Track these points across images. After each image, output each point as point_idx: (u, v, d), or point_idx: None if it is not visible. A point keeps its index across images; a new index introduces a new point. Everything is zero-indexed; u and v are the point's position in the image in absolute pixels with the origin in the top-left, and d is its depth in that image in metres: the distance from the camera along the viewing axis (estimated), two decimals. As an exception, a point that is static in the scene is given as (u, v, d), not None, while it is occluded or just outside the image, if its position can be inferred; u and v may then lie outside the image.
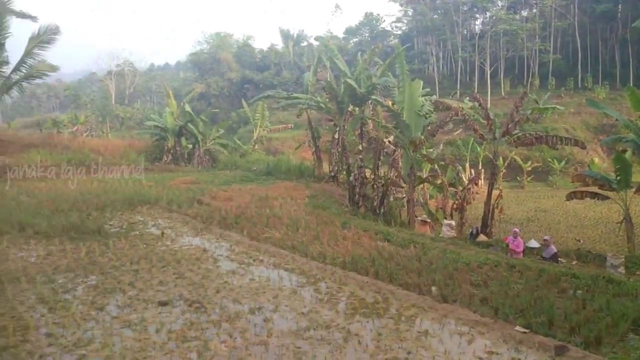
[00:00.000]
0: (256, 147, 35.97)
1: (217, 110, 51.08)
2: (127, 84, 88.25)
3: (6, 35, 23.85)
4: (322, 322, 7.57)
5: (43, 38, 23.56)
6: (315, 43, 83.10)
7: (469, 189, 18.80)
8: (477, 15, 71.55)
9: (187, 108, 33.31)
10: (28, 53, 23.82)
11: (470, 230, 17.06)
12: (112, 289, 9.00)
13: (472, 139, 37.14)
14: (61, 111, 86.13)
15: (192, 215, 15.58)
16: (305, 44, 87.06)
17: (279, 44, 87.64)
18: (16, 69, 24.80)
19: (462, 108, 18.72)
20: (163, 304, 8.25)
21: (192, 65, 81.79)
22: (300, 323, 7.50)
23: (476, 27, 73.07)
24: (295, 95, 25.27)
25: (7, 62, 25.87)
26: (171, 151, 32.04)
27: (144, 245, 12.08)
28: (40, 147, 27.88)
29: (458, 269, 10.08)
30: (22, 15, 26.99)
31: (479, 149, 37.99)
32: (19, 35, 26.45)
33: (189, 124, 31.62)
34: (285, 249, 11.91)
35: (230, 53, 77.52)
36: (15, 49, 26.48)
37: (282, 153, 37.36)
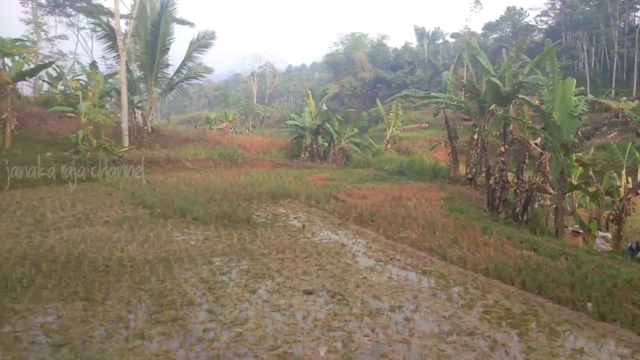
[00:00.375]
0: (388, 146, 36.03)
1: (352, 109, 52.02)
2: (268, 85, 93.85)
3: (171, 40, 26.86)
4: (466, 327, 7.39)
5: (201, 42, 26.19)
6: (452, 40, 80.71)
7: (629, 198, 16.83)
8: (638, 7, 63.53)
9: (325, 108, 34.55)
10: (188, 56, 26.65)
11: (629, 245, 15.22)
12: (262, 274, 9.70)
13: (630, 143, 33.08)
14: (209, 109, 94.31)
15: (330, 211, 16.13)
16: (440, 41, 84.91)
17: (414, 43, 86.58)
18: (178, 71, 27.79)
19: (623, 109, 16.80)
20: (308, 292, 8.69)
21: (327, 65, 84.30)
22: (443, 326, 7.40)
23: (636, 19, 65.03)
24: (433, 94, 24.82)
25: (167, 65, 29.16)
26: (308, 149, 33.48)
27: (288, 236, 12.81)
28: (195, 141, 30.96)
29: (618, 286, 9.11)
30: (182, 22, 30.31)
31: (637, 154, 33.68)
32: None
33: (326, 123, 32.73)
34: (422, 250, 11.80)
35: (364, 53, 78.45)
36: (171, 53, 29.83)
37: (413, 153, 36.92)
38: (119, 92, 30.19)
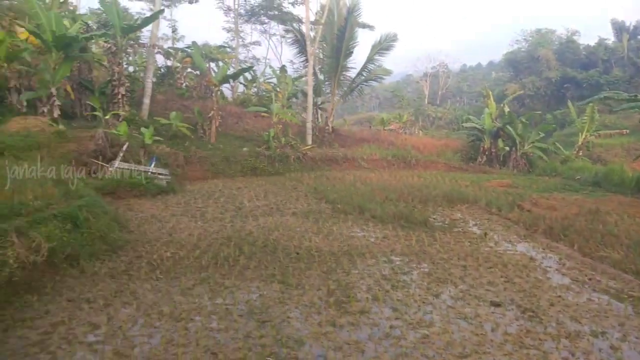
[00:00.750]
0: (580, 153, 32.48)
1: (538, 112, 47.87)
2: (440, 85, 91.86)
3: (355, 44, 27.97)
4: (692, 369, 6.35)
5: (383, 45, 26.76)
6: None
7: None
8: None
9: (507, 109, 32.57)
10: (370, 59, 27.45)
11: None
12: (444, 279, 9.57)
13: None
14: (379, 110, 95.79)
15: (514, 220, 15.19)
16: (644, 36, 73.54)
17: (610, 38, 76.44)
18: (359, 73, 28.81)
19: None
20: (496, 304, 8.32)
21: (507, 64, 79.14)
22: (661, 363, 6.47)
23: None
24: (643, 96, 21.62)
25: (348, 68, 30.38)
26: (486, 152, 31.87)
27: (468, 243, 12.42)
28: (370, 142, 31.85)
29: None
30: (364, 25, 31.36)
31: None
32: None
33: (508, 126, 30.83)
34: (627, 272, 10.41)
35: (550, 50, 71.76)
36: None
37: (607, 162, 32.69)
38: (304, 94, 32.47)
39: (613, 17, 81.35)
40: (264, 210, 15.57)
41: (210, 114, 25.71)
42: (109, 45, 22.65)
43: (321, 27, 28.40)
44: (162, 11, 23.38)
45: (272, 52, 65.85)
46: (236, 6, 47.42)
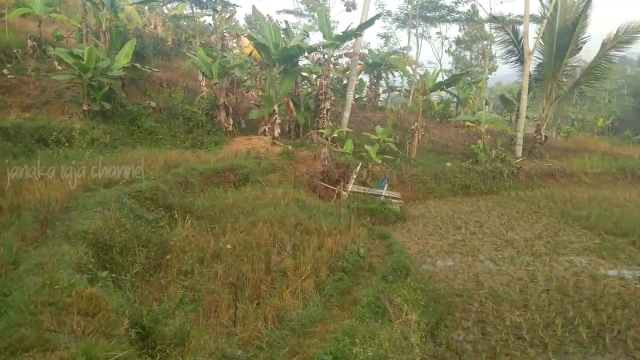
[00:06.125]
0: None
1: None
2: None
3: (585, 39, 23.53)
4: None
5: (622, 38, 22.17)
6: None
7: None
8: None
9: None
10: (602, 55, 22.88)
11: None
12: None
13: None
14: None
15: None
16: None
17: None
18: (587, 73, 24.22)
19: None
20: None
21: None
22: None
23: None
24: None
25: (574, 67, 26.07)
26: None
27: None
28: (579, 152, 27.08)
29: None
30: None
31: None
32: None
33: None
34: None
35: None
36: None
37: None
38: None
39: None
40: (541, 245, 12.76)
41: (413, 126, 23.26)
42: (318, 57, 21.32)
43: (545, 21, 24.00)
44: (379, 15, 20.98)
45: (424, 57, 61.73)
46: (397, 10, 44.50)
